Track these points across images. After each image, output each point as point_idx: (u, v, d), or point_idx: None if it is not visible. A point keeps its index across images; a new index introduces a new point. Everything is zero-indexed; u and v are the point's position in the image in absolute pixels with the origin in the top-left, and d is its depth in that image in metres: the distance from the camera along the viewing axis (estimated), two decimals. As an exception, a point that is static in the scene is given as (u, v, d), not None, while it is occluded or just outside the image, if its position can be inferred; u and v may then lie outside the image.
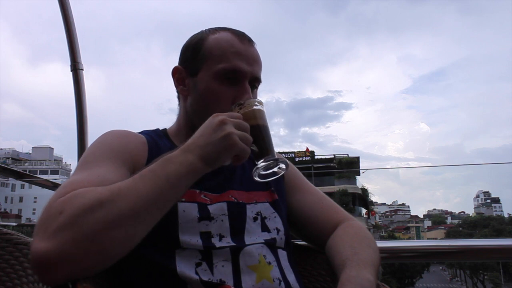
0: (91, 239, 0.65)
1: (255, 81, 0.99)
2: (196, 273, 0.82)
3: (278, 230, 0.97)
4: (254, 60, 0.98)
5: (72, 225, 0.65)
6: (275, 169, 0.85)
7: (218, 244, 0.87)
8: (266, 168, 0.84)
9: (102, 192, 0.70)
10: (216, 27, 1.03)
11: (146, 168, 0.75)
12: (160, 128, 1.07)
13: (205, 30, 1.03)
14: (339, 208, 1.09)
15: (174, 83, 1.03)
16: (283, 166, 0.86)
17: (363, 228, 1.02)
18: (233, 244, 0.88)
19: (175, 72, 1.02)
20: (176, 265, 0.82)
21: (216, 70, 0.94)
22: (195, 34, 1.03)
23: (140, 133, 1.00)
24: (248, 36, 1.00)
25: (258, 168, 0.83)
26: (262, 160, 0.83)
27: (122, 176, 0.82)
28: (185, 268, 0.82)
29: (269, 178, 0.86)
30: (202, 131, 0.79)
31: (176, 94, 1.06)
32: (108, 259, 0.69)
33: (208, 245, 0.86)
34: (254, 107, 0.87)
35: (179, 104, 1.06)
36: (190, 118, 1.01)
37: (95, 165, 0.83)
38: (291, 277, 0.93)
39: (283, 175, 1.06)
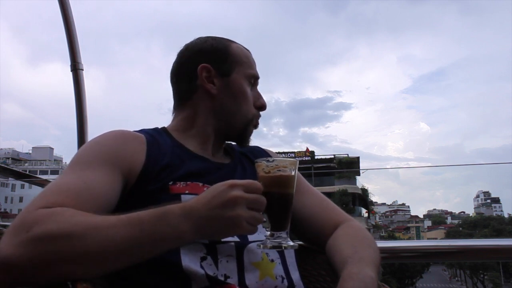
0: (47, 266, 0.65)
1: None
2: (202, 267, 0.82)
3: None
4: None
5: (35, 246, 0.65)
6: (282, 244, 0.77)
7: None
8: (271, 242, 0.77)
9: (76, 223, 0.68)
10: (220, 37, 1.08)
11: (138, 213, 0.72)
12: (159, 127, 1.07)
13: (218, 37, 1.08)
14: (339, 209, 1.09)
15: (201, 80, 1.02)
16: (290, 243, 0.77)
17: (363, 229, 1.02)
18: (237, 239, 0.88)
19: (203, 70, 1.02)
20: (181, 259, 0.82)
21: (247, 74, 1.05)
22: (211, 38, 1.06)
23: (139, 131, 0.99)
24: None
25: (264, 240, 0.78)
26: (269, 235, 0.77)
27: (112, 183, 0.84)
28: (190, 262, 0.82)
29: (270, 249, 0.83)
30: (210, 199, 0.72)
31: (187, 91, 1.05)
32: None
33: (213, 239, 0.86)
34: (282, 173, 0.77)
35: (190, 103, 1.05)
36: (215, 117, 1.03)
37: (86, 168, 0.83)
38: (295, 275, 0.93)
39: None
